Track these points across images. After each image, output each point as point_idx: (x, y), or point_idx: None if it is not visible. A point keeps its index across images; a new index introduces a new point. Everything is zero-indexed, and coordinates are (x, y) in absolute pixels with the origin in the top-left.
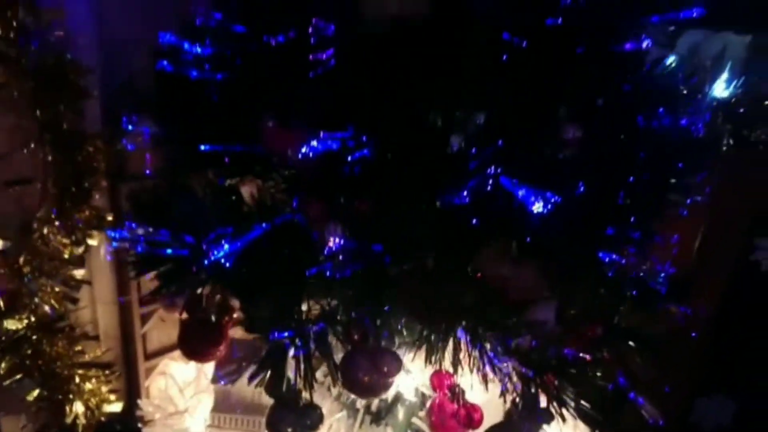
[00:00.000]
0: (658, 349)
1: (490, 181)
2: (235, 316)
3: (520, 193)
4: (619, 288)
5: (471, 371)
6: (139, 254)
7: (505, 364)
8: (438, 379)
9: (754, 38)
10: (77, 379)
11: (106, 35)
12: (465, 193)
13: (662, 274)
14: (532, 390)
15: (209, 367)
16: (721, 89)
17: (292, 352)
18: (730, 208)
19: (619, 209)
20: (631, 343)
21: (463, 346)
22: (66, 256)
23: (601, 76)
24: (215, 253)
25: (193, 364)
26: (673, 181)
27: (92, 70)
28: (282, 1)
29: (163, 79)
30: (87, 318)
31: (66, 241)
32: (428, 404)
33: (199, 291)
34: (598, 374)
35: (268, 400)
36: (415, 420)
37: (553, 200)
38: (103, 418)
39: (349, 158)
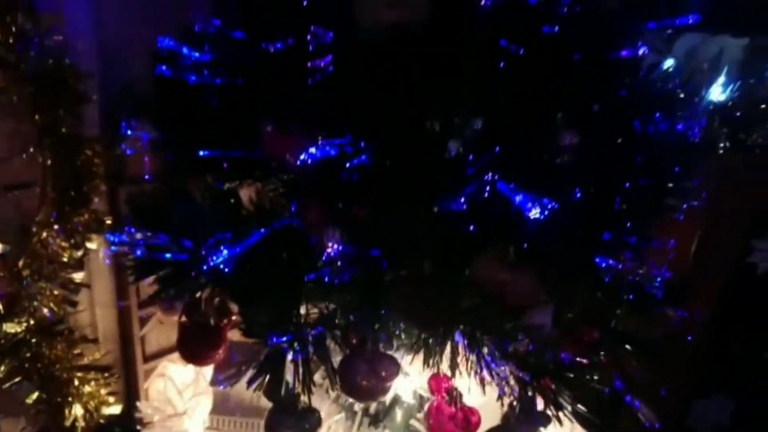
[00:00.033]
0: (655, 352)
1: (488, 187)
2: (233, 318)
3: (518, 198)
4: (615, 292)
5: (468, 374)
6: (138, 258)
7: (502, 368)
8: (436, 382)
9: (751, 41)
10: (76, 382)
11: (105, 40)
12: (462, 198)
13: (658, 279)
14: (530, 393)
15: (208, 369)
16: (718, 92)
17: (290, 356)
18: (727, 210)
19: (615, 214)
20: (627, 346)
21: (460, 349)
22: (65, 259)
23: (598, 82)
24: (214, 257)
25: (191, 366)
26: (669, 185)
27: (91, 75)
28: (281, 8)
29: (162, 83)
30: (86, 321)
31: (65, 244)
32: (426, 407)
33: (198, 295)
34: (595, 378)
35: (266, 403)
36: (413, 422)
37: (550, 206)
38: (102, 421)
39: (348, 164)
